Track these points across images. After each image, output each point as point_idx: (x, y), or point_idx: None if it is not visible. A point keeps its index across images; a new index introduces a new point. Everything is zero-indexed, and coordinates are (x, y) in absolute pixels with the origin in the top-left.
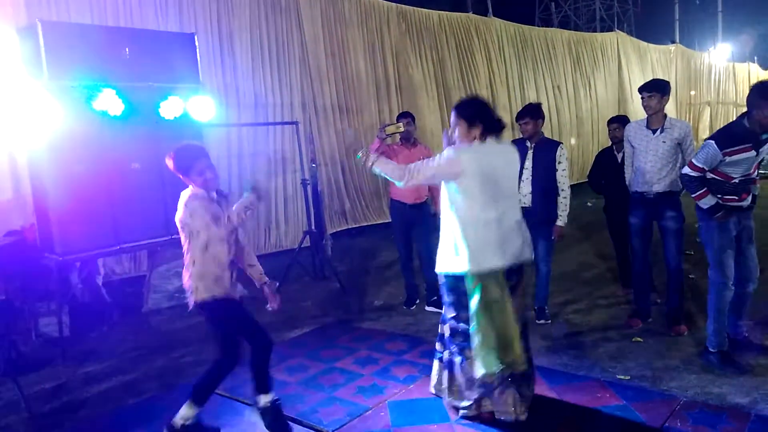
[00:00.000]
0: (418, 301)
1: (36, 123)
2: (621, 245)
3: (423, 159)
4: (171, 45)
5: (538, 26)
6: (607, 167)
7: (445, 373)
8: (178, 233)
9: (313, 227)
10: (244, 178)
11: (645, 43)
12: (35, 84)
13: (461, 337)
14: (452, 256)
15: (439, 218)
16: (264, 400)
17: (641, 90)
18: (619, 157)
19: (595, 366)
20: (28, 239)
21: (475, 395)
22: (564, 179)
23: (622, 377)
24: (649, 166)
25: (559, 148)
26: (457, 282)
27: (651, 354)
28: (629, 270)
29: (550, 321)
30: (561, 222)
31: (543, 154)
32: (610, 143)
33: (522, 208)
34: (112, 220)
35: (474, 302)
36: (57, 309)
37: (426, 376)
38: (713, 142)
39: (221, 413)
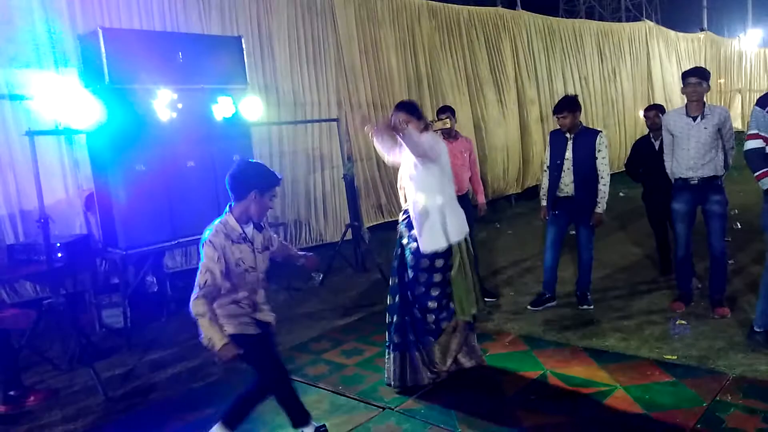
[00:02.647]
0: None
1: (99, 125)
2: (661, 232)
3: (465, 152)
4: (220, 48)
5: (563, 17)
6: (645, 155)
7: (417, 359)
8: None
9: (354, 221)
10: (284, 176)
11: (674, 32)
12: (97, 88)
13: (446, 312)
14: (440, 234)
15: (478, 210)
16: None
17: (689, 75)
18: (657, 144)
19: (642, 347)
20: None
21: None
22: (603, 167)
23: (669, 357)
24: (692, 152)
25: (598, 136)
26: (444, 256)
27: (696, 335)
28: (669, 256)
29: (593, 307)
30: (600, 209)
31: (583, 143)
32: (647, 131)
33: (564, 197)
34: (169, 215)
35: (455, 267)
36: (122, 301)
37: None
38: (755, 106)
39: None
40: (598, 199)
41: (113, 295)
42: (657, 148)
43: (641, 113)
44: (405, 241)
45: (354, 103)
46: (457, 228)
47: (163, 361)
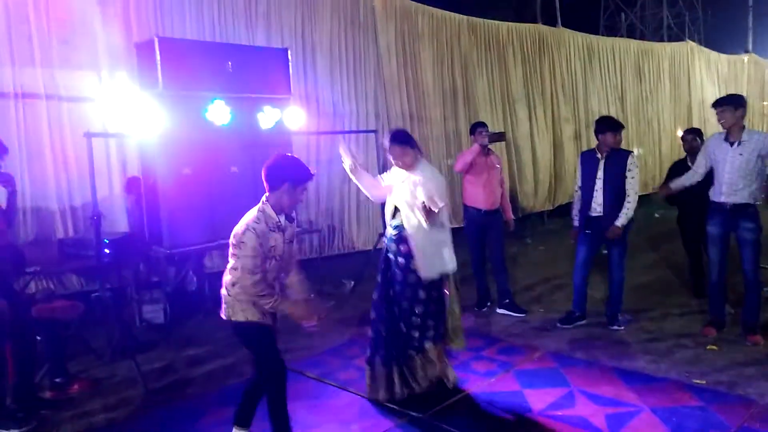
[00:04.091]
0: (489, 304)
1: (151, 130)
2: (694, 255)
3: (498, 167)
4: (267, 59)
5: (603, 34)
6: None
7: (396, 373)
8: None
9: None
10: (320, 183)
11: (716, 53)
12: (150, 94)
13: (431, 331)
14: (442, 259)
15: (507, 226)
16: None
17: (713, 106)
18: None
19: (671, 370)
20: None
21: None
22: (632, 186)
23: (698, 381)
24: (726, 177)
25: (630, 156)
26: (441, 281)
27: (727, 362)
28: (702, 280)
29: (623, 327)
30: (619, 222)
31: (614, 163)
32: (684, 154)
33: (596, 216)
34: (211, 217)
35: (452, 293)
36: (163, 297)
37: (505, 372)
38: None
39: (314, 395)
40: (620, 214)
41: (154, 291)
42: None
43: (679, 133)
44: (392, 256)
45: (391, 115)
46: (451, 258)
47: (199, 358)
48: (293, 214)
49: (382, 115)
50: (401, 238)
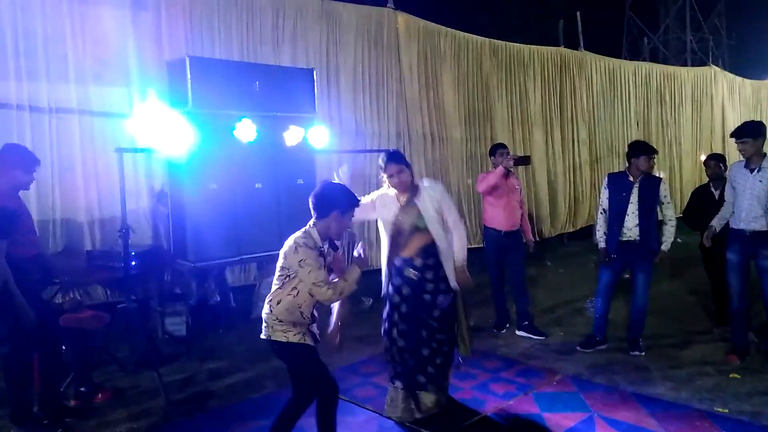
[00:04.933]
0: (508, 325)
1: (179, 146)
2: (717, 282)
3: (518, 188)
4: (293, 78)
5: (626, 58)
6: (705, 204)
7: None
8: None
9: None
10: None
11: (740, 78)
12: (180, 111)
13: (450, 343)
14: None
15: (527, 247)
16: None
17: (732, 136)
18: (716, 194)
19: (693, 398)
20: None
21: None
22: (671, 212)
23: (720, 410)
24: (746, 204)
25: (662, 183)
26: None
27: (750, 391)
28: (725, 307)
29: (644, 353)
30: (665, 247)
31: (648, 188)
32: (707, 180)
33: (626, 241)
34: (235, 232)
35: (459, 304)
36: (186, 310)
37: (524, 394)
38: None
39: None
40: (664, 239)
41: (177, 304)
42: (716, 197)
43: (702, 158)
44: (431, 286)
45: (413, 135)
46: None
47: (220, 371)
48: (337, 243)
49: (404, 135)
50: (439, 263)
